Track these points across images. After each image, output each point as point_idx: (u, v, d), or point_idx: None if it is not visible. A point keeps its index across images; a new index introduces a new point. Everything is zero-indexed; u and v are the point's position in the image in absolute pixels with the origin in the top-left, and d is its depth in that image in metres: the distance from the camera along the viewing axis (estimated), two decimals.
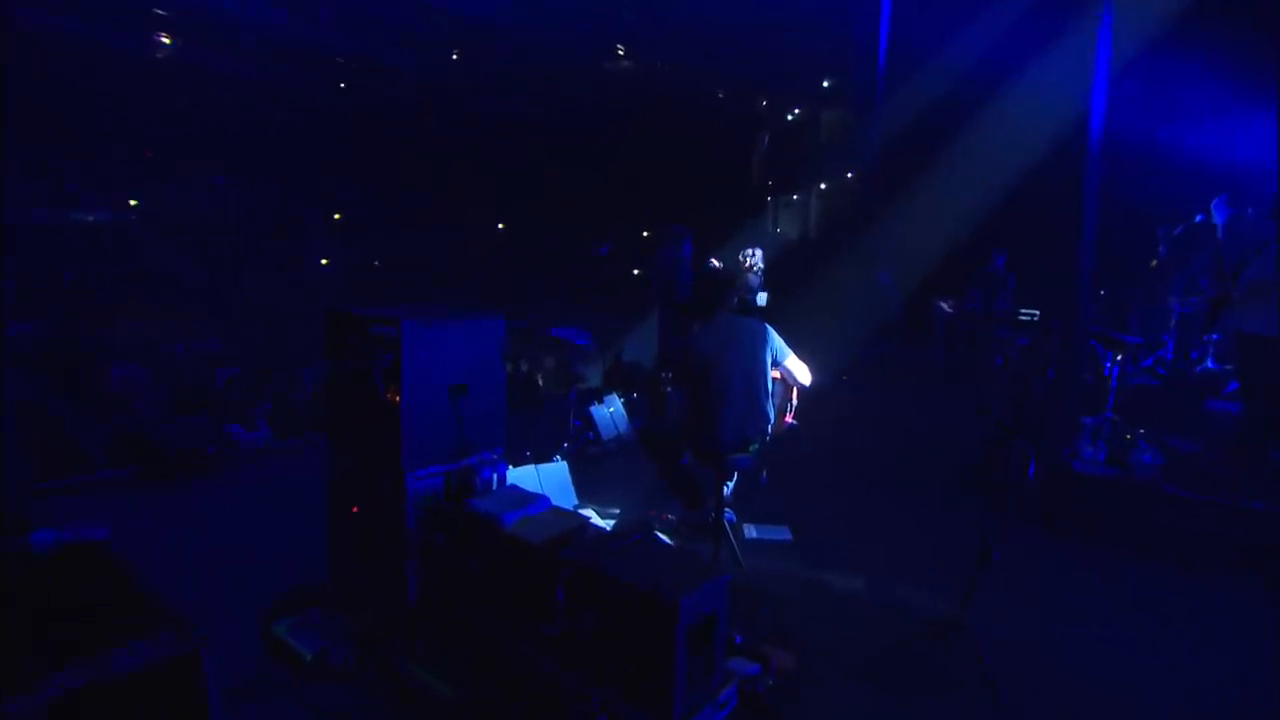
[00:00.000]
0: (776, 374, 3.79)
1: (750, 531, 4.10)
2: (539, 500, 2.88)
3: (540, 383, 8.04)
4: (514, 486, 3.16)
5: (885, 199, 10.30)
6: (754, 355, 3.68)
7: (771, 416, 3.69)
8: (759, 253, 6.68)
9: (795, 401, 3.85)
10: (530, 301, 10.37)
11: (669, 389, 4.87)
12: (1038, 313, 7.63)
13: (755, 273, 7.49)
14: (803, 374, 3.81)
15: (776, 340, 3.77)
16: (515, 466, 4.19)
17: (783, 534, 4.13)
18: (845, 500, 4.77)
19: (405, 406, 2.70)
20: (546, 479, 4.28)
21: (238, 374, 5.90)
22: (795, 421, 3.84)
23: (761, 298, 9.42)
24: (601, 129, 11.76)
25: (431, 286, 10.10)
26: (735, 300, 3.85)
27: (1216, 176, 6.21)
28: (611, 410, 6.08)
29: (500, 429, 3.12)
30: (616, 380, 7.03)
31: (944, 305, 8.47)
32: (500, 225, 12.53)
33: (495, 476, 2.96)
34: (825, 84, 12.45)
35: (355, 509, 2.98)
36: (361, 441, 2.94)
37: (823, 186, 13.57)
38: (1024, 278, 7.94)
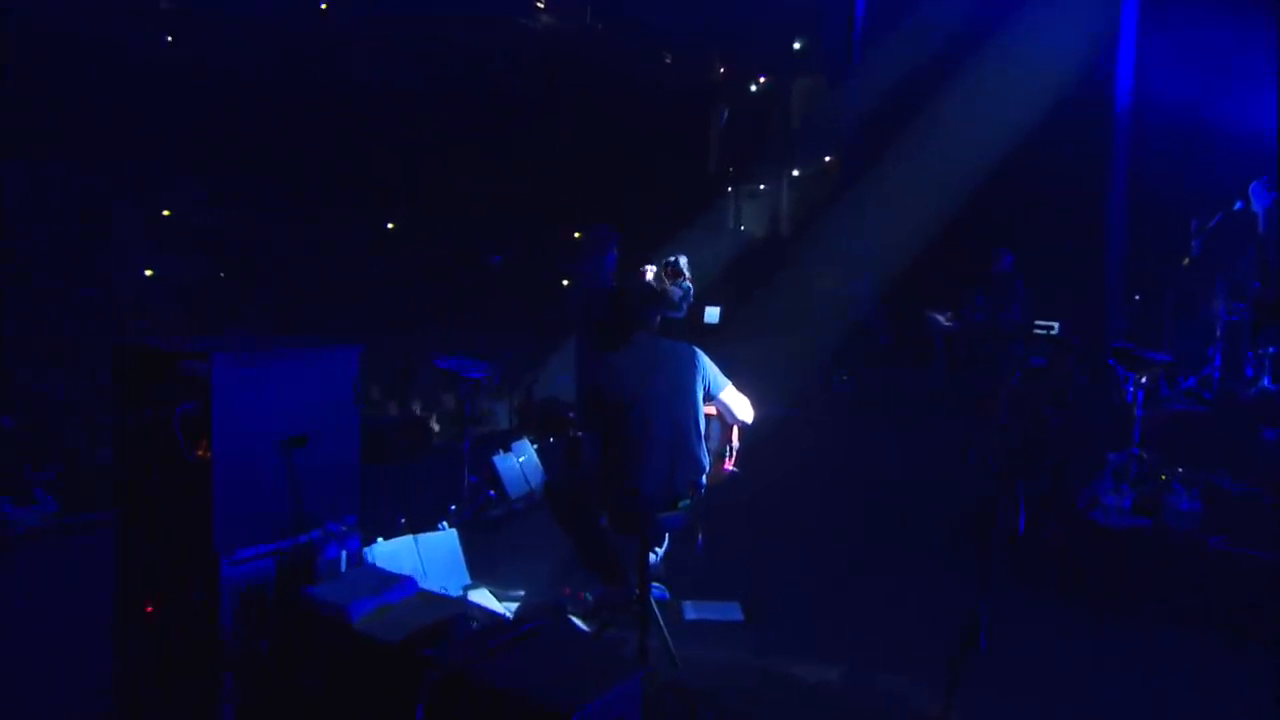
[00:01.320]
0: (711, 409, 3.83)
1: (689, 611, 4.11)
2: (403, 583, 2.82)
3: (436, 427, 8.01)
4: (372, 567, 3.10)
5: (868, 188, 10.55)
6: (682, 387, 3.71)
7: (706, 463, 3.71)
8: (683, 260, 6.80)
9: (737, 443, 3.89)
10: (427, 322, 10.30)
11: (578, 433, 4.85)
12: (1057, 325, 7.89)
13: (679, 285, 7.71)
14: (743, 408, 3.86)
15: (709, 367, 3.82)
16: (386, 539, 4.12)
17: (731, 612, 4.15)
18: (809, 567, 4.79)
19: (219, 467, 2.62)
20: (429, 553, 4.23)
21: (8, 427, 5.74)
22: (737, 469, 3.89)
23: (712, 313, 9.65)
24: (515, 102, 11.77)
25: (298, 305, 9.98)
26: (658, 319, 3.88)
27: (1264, 155, 6.43)
28: (521, 460, 6.04)
29: (353, 491, 3.06)
30: (529, 422, 7.01)
31: (940, 318, 8.69)
32: (390, 226, 12.44)
33: (344, 554, 2.89)
34: (795, 45, 12.77)
35: (150, 608, 2.86)
36: (161, 516, 2.86)
37: (795, 174, 13.85)
38: (1036, 282, 8.17)
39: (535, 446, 6.25)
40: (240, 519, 2.68)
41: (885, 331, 9.48)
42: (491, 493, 5.67)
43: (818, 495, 5.98)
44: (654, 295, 3.89)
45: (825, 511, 5.67)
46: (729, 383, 3.85)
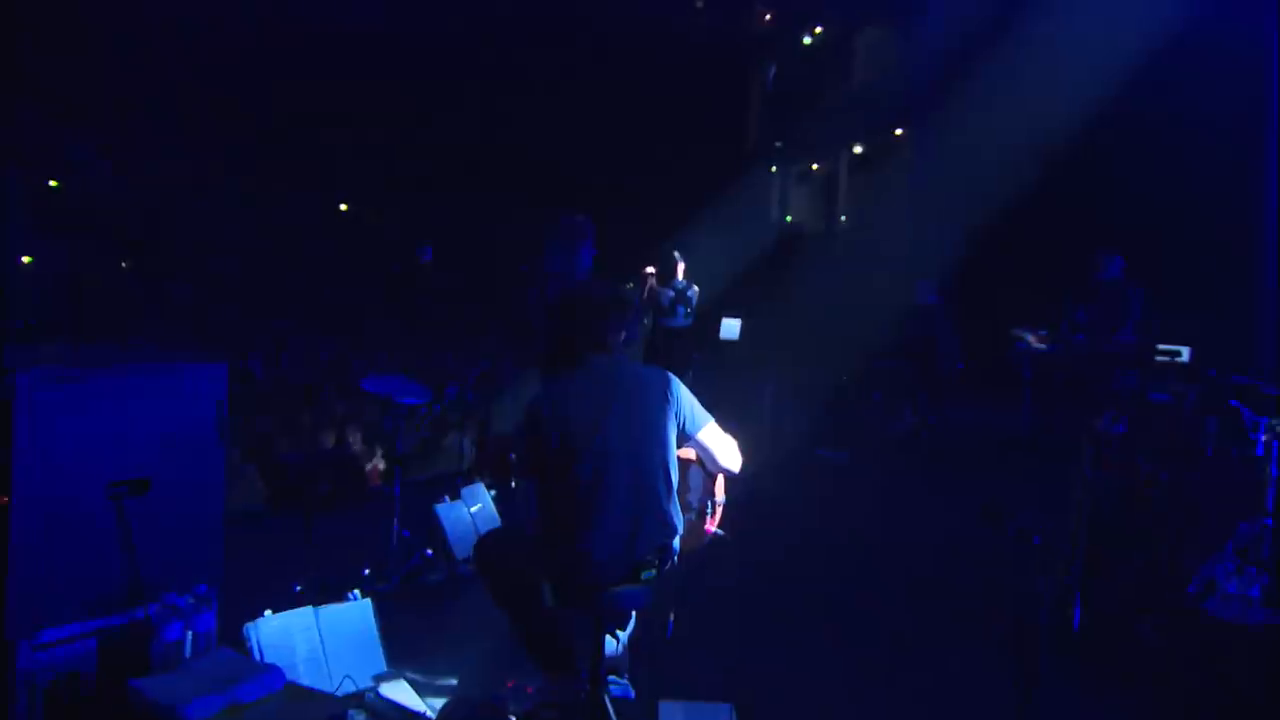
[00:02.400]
0: (689, 454, 3.81)
1: (668, 715, 3.91)
2: (266, 675, 2.73)
3: (380, 465, 7.99)
4: (228, 653, 2.96)
5: (944, 168, 10.45)
6: (648, 424, 3.65)
7: (679, 523, 3.64)
8: (677, 256, 7.03)
9: (721, 497, 3.86)
10: (382, 329, 10.36)
11: (516, 480, 4.80)
12: (1186, 351, 7.65)
13: (673, 286, 7.88)
14: (726, 453, 3.81)
15: (685, 399, 3.75)
16: (276, 612, 4.01)
17: (720, 716, 3.95)
18: (817, 661, 4.70)
19: (20, 518, 2.53)
20: (333, 630, 4.09)
21: None
22: (721, 531, 3.86)
23: (730, 326, 9.68)
24: (487, 53, 11.81)
25: (218, 303, 10.02)
26: (620, 336, 3.80)
27: None
28: (474, 510, 5.92)
29: (212, 551, 3.01)
30: (487, 462, 6.97)
31: (1030, 338, 8.54)
32: (343, 207, 12.59)
33: (190, 635, 2.78)
34: None
35: None
36: None
37: (857, 150, 13.76)
38: (1161, 295, 8.02)
39: (494, 494, 6.17)
40: (48, 588, 2.58)
41: (958, 354, 9.39)
42: (429, 551, 5.59)
43: (832, 569, 5.93)
44: (613, 303, 3.80)
45: (839, 591, 5.58)
46: (710, 419, 3.76)
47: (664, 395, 3.68)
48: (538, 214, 8.99)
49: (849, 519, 6.85)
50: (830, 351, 9.96)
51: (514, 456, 5.57)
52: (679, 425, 3.69)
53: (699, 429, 3.74)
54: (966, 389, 9.46)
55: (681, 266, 9.13)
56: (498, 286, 10.40)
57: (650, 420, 3.64)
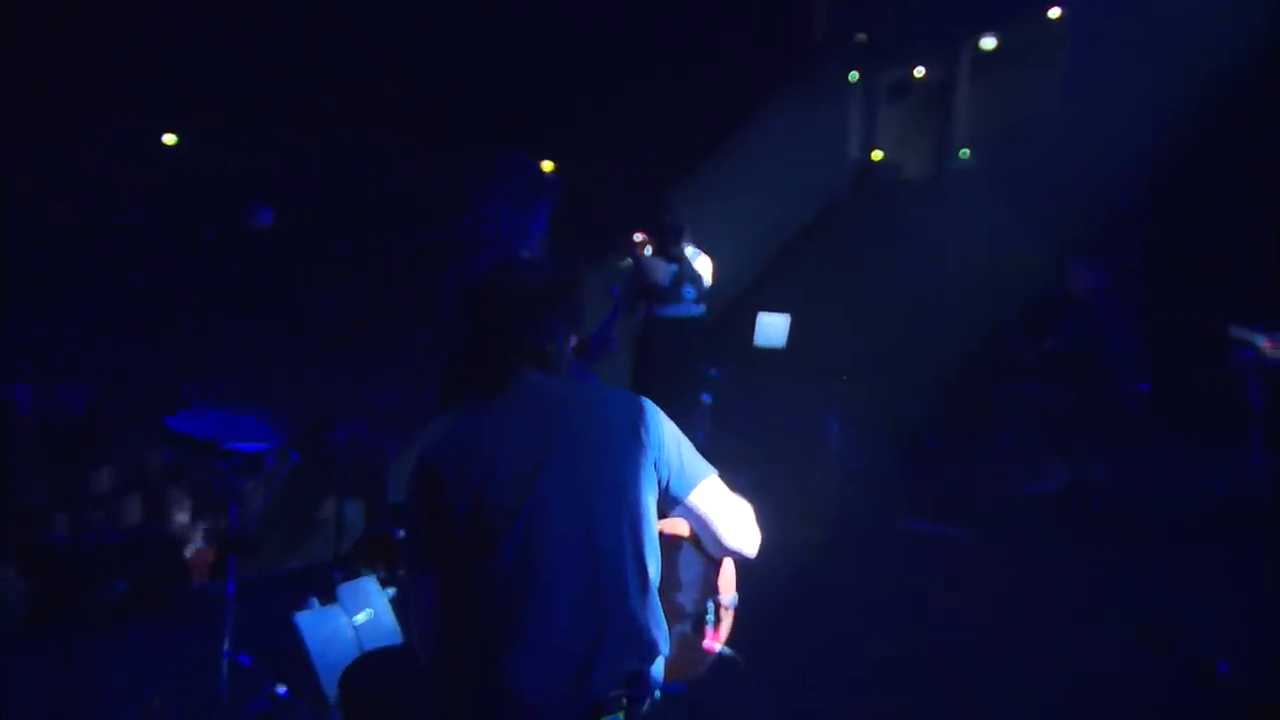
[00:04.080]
0: (680, 528, 3.85)
1: None
2: None
3: (198, 546, 8.02)
4: None
5: (1127, 71, 10.44)
6: (612, 482, 3.61)
7: (661, 639, 3.60)
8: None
9: (728, 598, 3.88)
10: (214, 342, 10.49)
11: (403, 573, 4.78)
12: None
13: (679, 260, 8.58)
14: (734, 525, 3.79)
15: (671, 441, 3.72)
16: None
17: None
18: None
19: None
20: None
21: None
22: (730, 649, 3.91)
23: (772, 327, 9.70)
24: None
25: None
26: (568, 342, 3.76)
27: None
28: (359, 622, 5.87)
29: None
30: (374, 547, 6.95)
31: (1261, 344, 8.44)
32: (170, 140, 12.71)
33: None
34: None
35: None
36: None
37: (984, 44, 13.76)
38: None
39: (392, 594, 6.15)
40: None
41: (1138, 370, 9.30)
42: (282, 689, 5.55)
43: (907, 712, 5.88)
44: (556, 288, 3.74)
45: None
46: (710, 472, 3.73)
47: (637, 435, 3.63)
48: (466, 156, 9.10)
49: (951, 635, 6.73)
50: (932, 366, 10.01)
51: (399, 534, 5.59)
52: (661, 482, 3.67)
53: (691, 488, 3.70)
54: (1153, 425, 9.21)
55: (688, 239, 9.17)
56: (409, 268, 10.49)
57: (615, 476, 3.60)
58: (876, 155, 14.42)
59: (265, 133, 12.11)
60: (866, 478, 9.29)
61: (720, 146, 11.22)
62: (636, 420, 3.66)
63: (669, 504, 3.71)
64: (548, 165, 13.23)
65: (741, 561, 3.89)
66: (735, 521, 3.79)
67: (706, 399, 8.91)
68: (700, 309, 9.16)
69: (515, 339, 3.69)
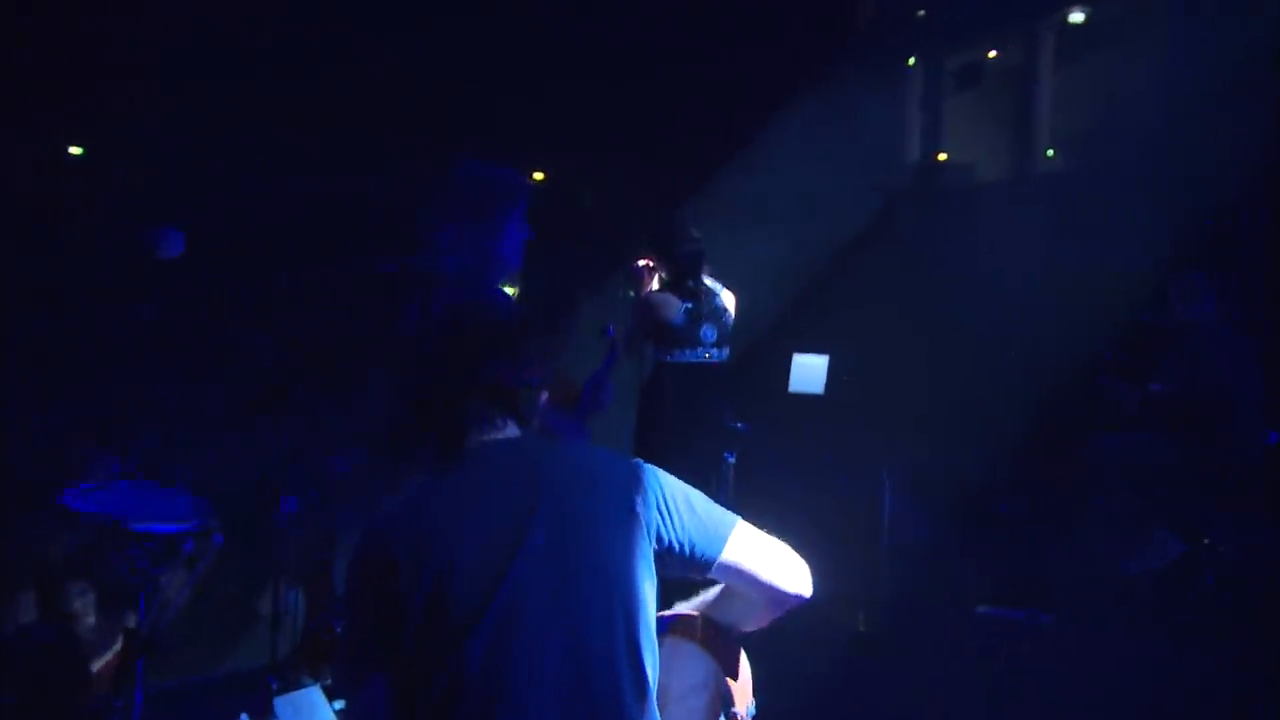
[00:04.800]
0: (682, 629, 3.85)
1: None
2: None
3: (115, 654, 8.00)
4: None
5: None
6: (604, 566, 3.54)
7: None
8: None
9: (742, 710, 3.79)
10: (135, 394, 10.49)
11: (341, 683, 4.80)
12: None
13: (696, 295, 8.64)
14: (788, 571, 3.74)
15: (680, 503, 3.66)
16: None
17: None
18: None
19: None
20: None
21: None
22: None
23: (809, 370, 9.67)
24: None
25: None
26: (538, 392, 3.73)
27: None
28: None
29: None
30: (320, 648, 6.92)
31: None
32: (74, 152, 12.80)
33: None
34: None
35: None
36: None
37: (1075, 19, 13.73)
38: None
39: (340, 707, 6.13)
40: None
41: (1265, 415, 9.22)
42: None
43: None
44: (528, 326, 3.70)
45: None
46: (735, 520, 3.66)
47: (632, 508, 3.53)
48: (435, 166, 9.09)
49: None
50: (1009, 414, 9.92)
51: (340, 632, 5.57)
52: (683, 552, 3.60)
53: (722, 544, 3.63)
54: None
55: (708, 269, 9.04)
56: (365, 303, 10.49)
57: (607, 558, 3.51)
58: (941, 157, 14.40)
59: (179, 141, 12.22)
60: (927, 552, 9.37)
61: (746, 150, 11.13)
62: (631, 488, 3.58)
63: (698, 570, 3.65)
64: (537, 176, 13.31)
65: (793, 604, 3.77)
66: (783, 563, 3.73)
67: (730, 458, 8.76)
68: (722, 354, 8.95)
69: (476, 392, 3.66)
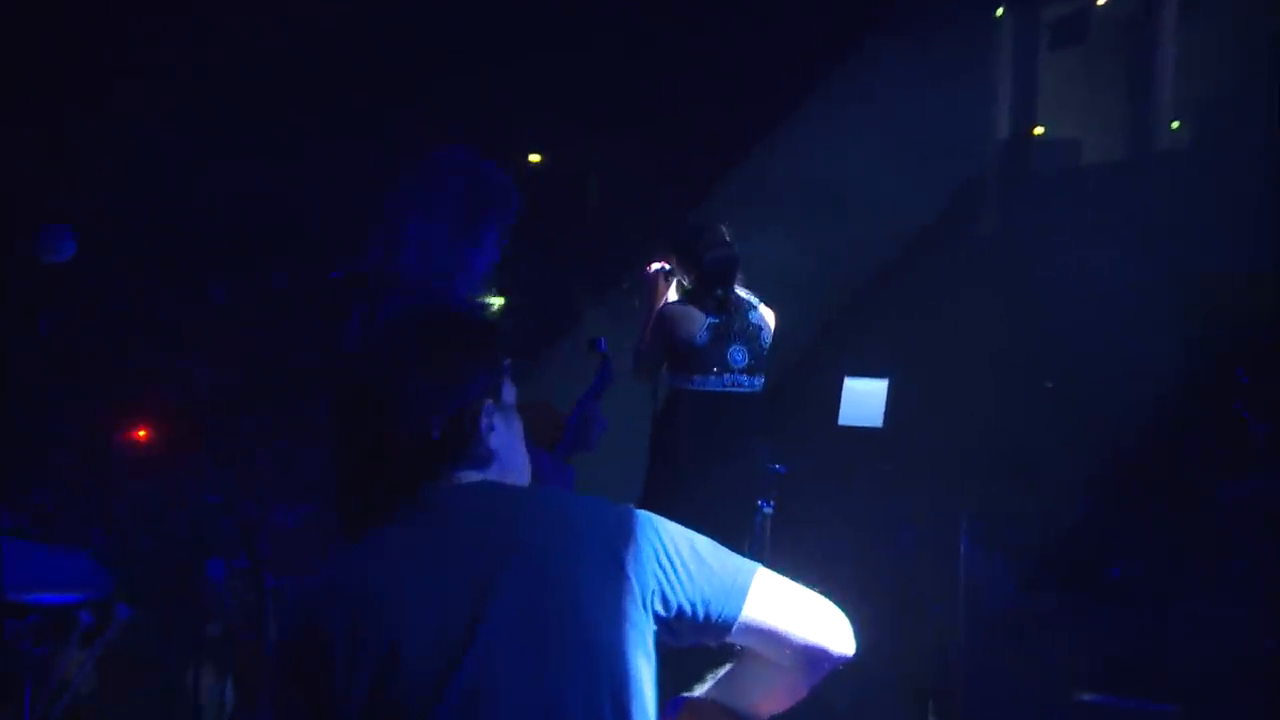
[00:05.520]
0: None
1: None
2: None
3: None
4: None
5: None
6: (584, 643, 3.40)
7: None
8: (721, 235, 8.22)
9: None
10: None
11: None
12: None
13: (725, 306, 8.59)
14: (826, 626, 3.58)
15: (685, 555, 3.51)
16: None
17: None
18: None
19: None
20: None
21: None
22: None
23: (864, 396, 9.58)
24: None
25: None
26: (492, 420, 3.59)
27: None
28: None
29: None
30: None
31: None
32: None
33: None
34: None
35: None
36: None
37: None
38: None
39: None
40: None
41: None
42: None
43: None
44: (485, 337, 3.58)
45: None
46: (757, 569, 3.49)
47: (620, 567, 3.37)
48: (393, 149, 9.06)
49: None
50: (1118, 452, 9.73)
51: None
52: (694, 615, 3.44)
53: (742, 599, 3.46)
54: None
55: (741, 279, 8.87)
56: (314, 320, 10.50)
57: (591, 631, 3.37)
58: (1036, 131, 14.30)
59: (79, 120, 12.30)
60: (1016, 624, 9.08)
61: (785, 128, 11.02)
62: (621, 543, 3.41)
63: (717, 635, 3.47)
64: (533, 158, 13.31)
65: (837, 664, 3.51)
66: (818, 615, 3.51)
67: (766, 507, 8.61)
68: (756, 382, 8.92)
69: (440, 409, 3.58)
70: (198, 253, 11.75)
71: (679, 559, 3.45)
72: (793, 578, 3.66)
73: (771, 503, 8.40)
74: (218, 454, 9.72)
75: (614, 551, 3.44)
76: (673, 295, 8.49)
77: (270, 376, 10.79)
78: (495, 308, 5.98)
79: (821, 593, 3.80)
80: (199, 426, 10.29)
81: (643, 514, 3.48)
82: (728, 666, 3.77)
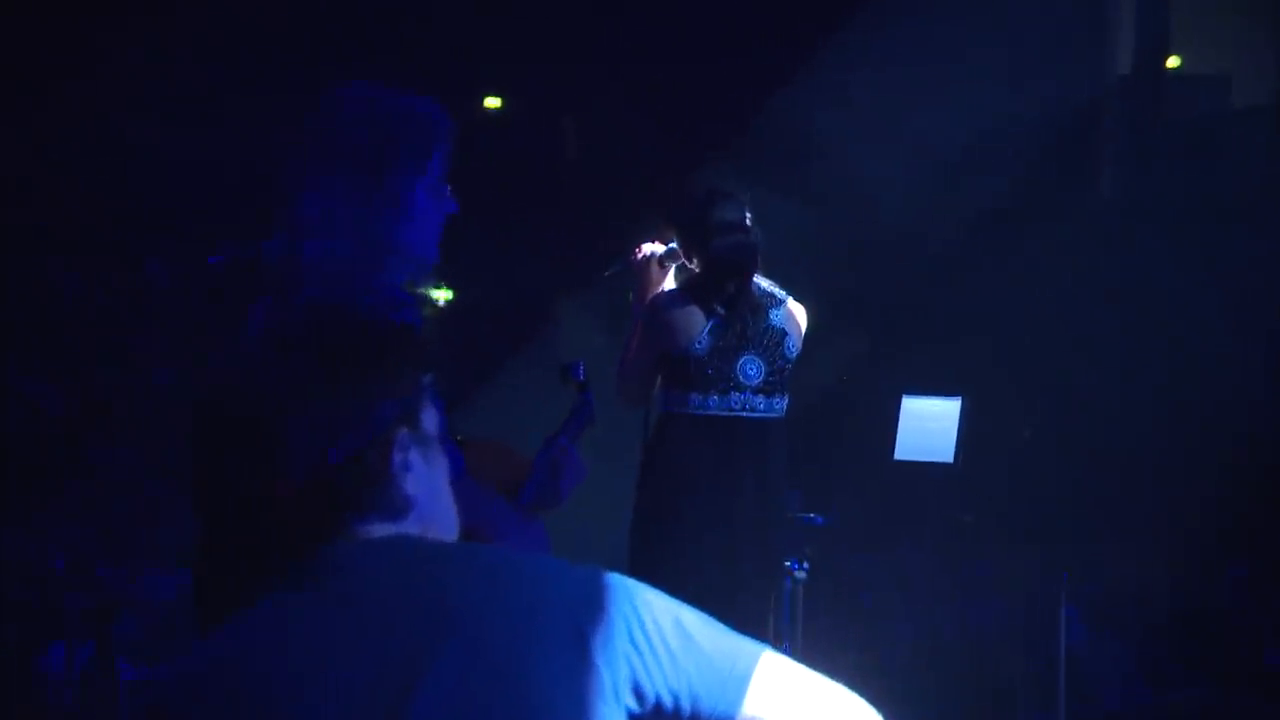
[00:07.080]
0: None
1: None
2: None
3: None
4: None
5: None
6: None
7: None
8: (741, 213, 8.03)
9: None
10: None
11: None
12: None
13: (744, 298, 8.48)
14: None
15: (669, 636, 3.30)
16: None
17: None
18: None
19: None
20: None
21: None
22: None
23: (925, 418, 9.41)
24: None
25: None
26: (400, 453, 3.48)
27: None
28: None
29: None
30: None
31: None
32: None
33: None
34: None
35: None
36: None
37: None
38: None
39: None
40: None
41: None
42: None
43: None
44: (398, 346, 3.44)
45: None
46: (762, 652, 3.30)
47: (584, 646, 3.17)
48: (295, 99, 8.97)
49: None
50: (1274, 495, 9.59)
51: None
52: (667, 712, 3.32)
53: (741, 691, 3.18)
54: None
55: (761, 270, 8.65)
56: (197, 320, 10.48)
57: None
58: (1172, 62, 14.19)
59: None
60: None
61: (820, 61, 10.86)
62: (586, 619, 3.13)
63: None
64: (490, 103, 13.23)
65: None
66: (839, 710, 3.15)
67: (797, 570, 8.45)
68: (776, 404, 8.69)
69: (346, 442, 3.42)
70: (47, 238, 11.46)
71: (658, 637, 3.17)
72: (831, 665, 3.45)
73: (804, 564, 8.12)
74: (64, 501, 9.56)
75: (577, 629, 3.20)
76: (671, 283, 8.04)
77: (143, 397, 10.65)
78: (426, 305, 5.91)
79: (871, 685, 3.58)
80: (42, 466, 9.98)
81: (614, 578, 3.14)
82: None
